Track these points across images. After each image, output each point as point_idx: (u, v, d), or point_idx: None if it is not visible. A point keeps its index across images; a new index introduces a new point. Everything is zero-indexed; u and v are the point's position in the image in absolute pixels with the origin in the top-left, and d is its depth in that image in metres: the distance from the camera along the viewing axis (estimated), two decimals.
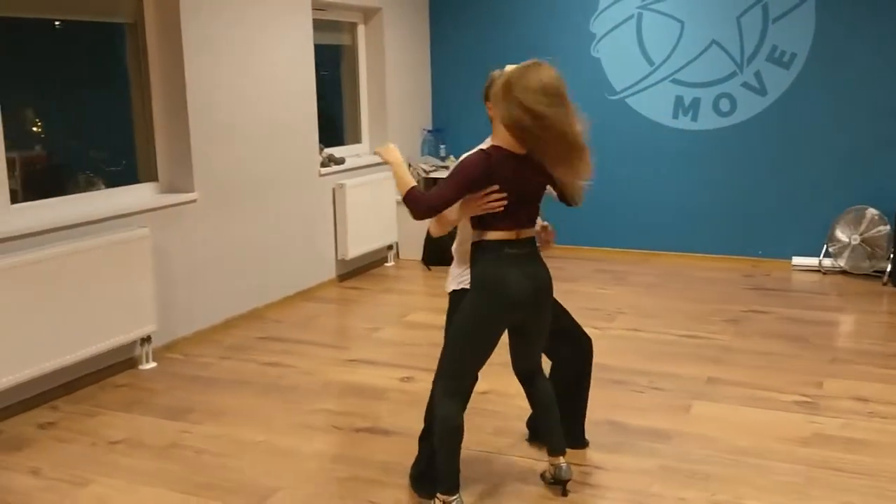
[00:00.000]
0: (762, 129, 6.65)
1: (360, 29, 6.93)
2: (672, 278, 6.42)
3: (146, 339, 4.67)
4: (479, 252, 2.91)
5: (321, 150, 6.35)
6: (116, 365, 4.58)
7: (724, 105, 6.74)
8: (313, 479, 3.32)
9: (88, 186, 4.94)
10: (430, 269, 6.70)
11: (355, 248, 6.44)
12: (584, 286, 6.22)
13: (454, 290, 3.13)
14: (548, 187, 3.08)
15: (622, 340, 4.97)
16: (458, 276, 3.13)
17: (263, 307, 5.66)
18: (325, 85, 7.28)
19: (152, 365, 4.67)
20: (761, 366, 4.50)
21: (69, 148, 5.14)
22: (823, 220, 6.51)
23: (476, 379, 3.07)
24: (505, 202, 2.84)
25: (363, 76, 7.01)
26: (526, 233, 2.95)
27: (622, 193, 7.13)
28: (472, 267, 2.93)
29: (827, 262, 6.51)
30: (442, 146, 7.63)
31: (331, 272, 6.40)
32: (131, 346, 4.63)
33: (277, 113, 5.71)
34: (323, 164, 6.26)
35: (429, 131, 7.60)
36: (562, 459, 3.14)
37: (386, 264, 7.04)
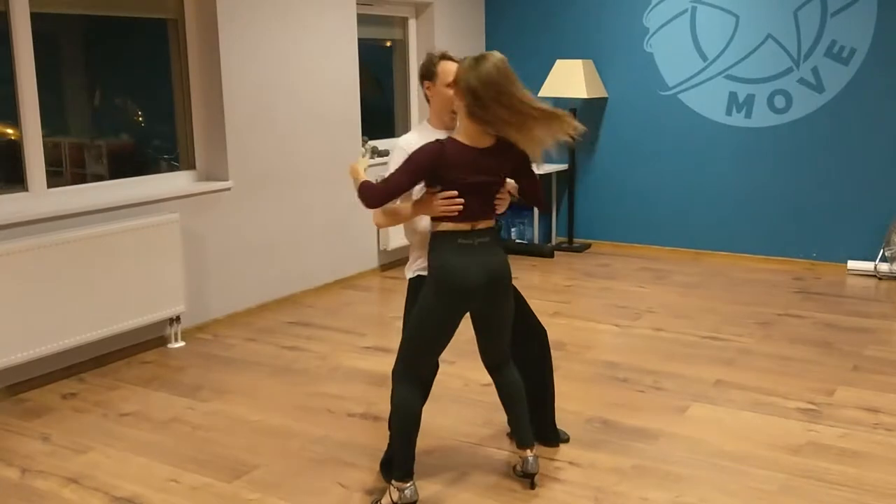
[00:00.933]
0: (818, 127, 6.41)
1: (412, 23, 7.03)
2: (716, 278, 6.28)
3: (175, 319, 4.91)
4: (434, 241, 2.95)
5: (365, 142, 6.46)
6: (147, 342, 4.84)
7: (779, 102, 6.52)
8: (290, 459, 3.45)
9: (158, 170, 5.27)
10: None
11: (397, 240, 6.56)
12: (621, 284, 6.15)
13: (411, 278, 3.19)
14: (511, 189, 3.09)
15: (640, 339, 4.92)
16: (412, 264, 3.20)
17: (301, 293, 5.85)
18: (378, 78, 7.43)
19: (181, 344, 4.91)
20: (776, 370, 4.38)
21: (135, 135, 5.48)
22: (881, 222, 6.23)
23: (435, 367, 3.13)
24: (461, 207, 2.87)
25: (413, 71, 7.11)
26: (482, 223, 2.95)
27: (673, 191, 7.01)
28: (428, 256, 2.98)
29: (883, 266, 6.23)
30: None
31: (373, 262, 6.54)
32: (161, 325, 4.88)
33: (318, 105, 5.87)
34: (364, 156, 6.39)
35: None
36: (529, 452, 3.17)
37: None
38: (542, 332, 3.49)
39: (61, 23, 4.82)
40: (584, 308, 5.54)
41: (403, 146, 3.03)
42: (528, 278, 6.38)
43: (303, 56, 5.72)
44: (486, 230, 2.96)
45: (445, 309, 2.92)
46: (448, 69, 3.05)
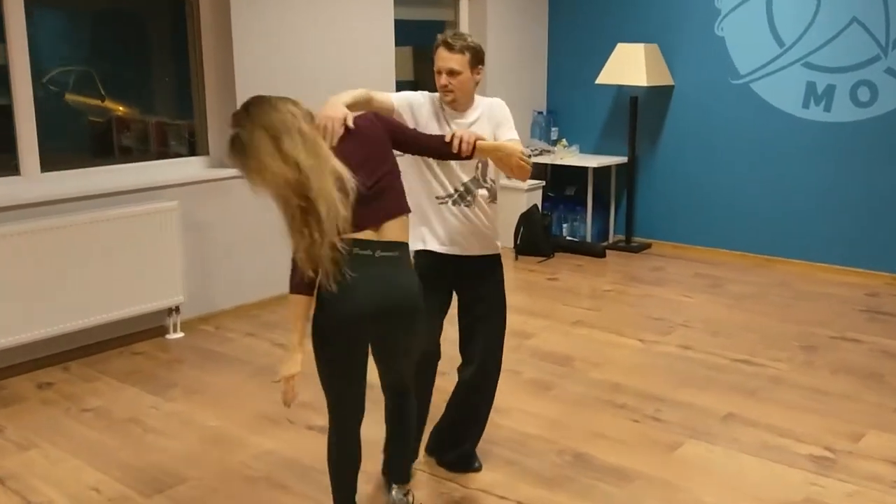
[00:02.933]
0: None
1: (463, 4, 6.66)
2: (776, 290, 5.66)
3: (175, 310, 4.80)
4: None
5: None
6: (146, 331, 4.75)
7: (863, 94, 5.78)
8: (224, 475, 3.23)
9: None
10: (516, 259, 6.44)
11: None
12: (666, 292, 5.63)
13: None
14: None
15: (660, 358, 4.43)
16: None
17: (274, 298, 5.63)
18: (425, 61, 7.12)
19: (180, 335, 4.79)
20: (802, 406, 3.83)
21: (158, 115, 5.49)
22: None
23: (358, 407, 2.59)
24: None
25: None
26: (382, 232, 2.45)
27: (742, 190, 6.38)
28: None
29: None
30: (554, 128, 7.22)
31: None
32: (161, 315, 4.78)
33: (345, 82, 5.59)
34: None
35: (539, 113, 7.20)
36: (400, 490, 2.80)
37: None
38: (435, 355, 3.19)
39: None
40: (613, 318, 5.08)
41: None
42: (567, 280, 5.94)
43: (329, 41, 5.47)
44: (394, 243, 2.46)
45: (333, 336, 2.43)
46: (439, 56, 2.94)
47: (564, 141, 7.08)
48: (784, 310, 5.24)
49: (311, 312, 2.43)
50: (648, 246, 6.84)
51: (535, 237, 6.57)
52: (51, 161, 4.48)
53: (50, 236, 4.19)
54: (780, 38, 6.06)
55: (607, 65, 6.51)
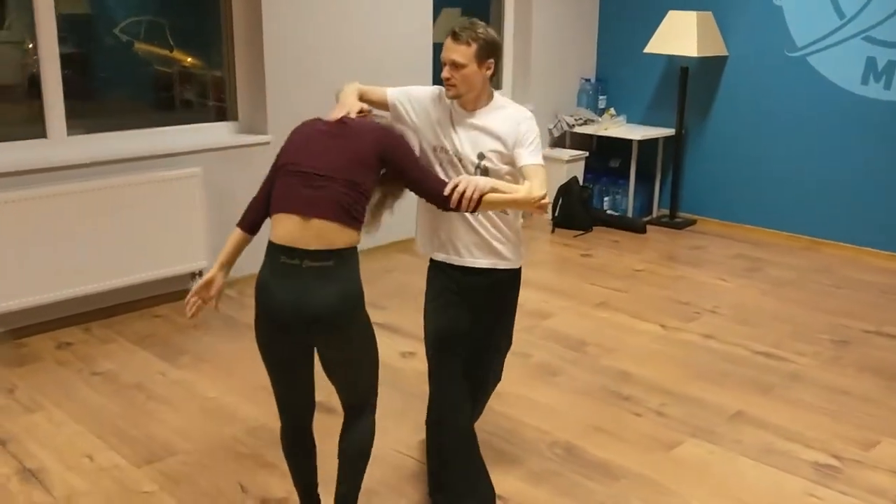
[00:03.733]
0: None
1: None
2: (819, 276, 5.41)
3: (198, 274, 4.86)
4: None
5: None
6: (169, 294, 4.82)
7: None
8: (214, 449, 3.27)
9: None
10: (552, 232, 6.32)
11: None
12: (700, 273, 5.45)
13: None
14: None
15: (679, 347, 4.30)
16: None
17: None
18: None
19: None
20: (818, 407, 3.66)
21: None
22: None
23: (301, 411, 2.55)
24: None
25: (509, 17, 6.58)
26: (315, 240, 2.30)
27: (794, 168, 6.10)
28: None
29: None
30: (602, 97, 7.00)
31: None
32: (184, 279, 4.84)
33: (380, 60, 5.51)
34: None
35: (587, 80, 6.98)
36: None
37: None
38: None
39: None
40: (638, 300, 4.94)
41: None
42: (600, 256, 5.80)
43: (363, 6, 5.37)
44: (326, 252, 2.29)
45: (264, 343, 2.42)
46: (444, 46, 2.64)
47: (612, 110, 6.86)
48: (821, 298, 5.02)
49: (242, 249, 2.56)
50: (693, 222, 6.62)
51: (574, 210, 6.42)
52: (113, 110, 4.57)
53: (75, 199, 4.27)
54: (841, 9, 5.71)
55: (657, 33, 6.25)
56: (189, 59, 5.88)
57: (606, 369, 4.01)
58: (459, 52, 2.58)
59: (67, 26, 4.58)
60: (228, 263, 2.56)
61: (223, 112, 5.18)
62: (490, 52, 2.62)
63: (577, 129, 6.72)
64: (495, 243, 2.75)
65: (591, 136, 6.83)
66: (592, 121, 6.78)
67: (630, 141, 6.50)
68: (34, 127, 4.39)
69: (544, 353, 4.18)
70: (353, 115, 2.54)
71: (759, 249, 5.99)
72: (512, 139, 2.64)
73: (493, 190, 2.43)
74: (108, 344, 4.25)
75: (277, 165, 2.46)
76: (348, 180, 2.34)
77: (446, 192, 2.41)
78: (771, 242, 6.16)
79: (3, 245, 4.05)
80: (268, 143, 5.05)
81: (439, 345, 2.79)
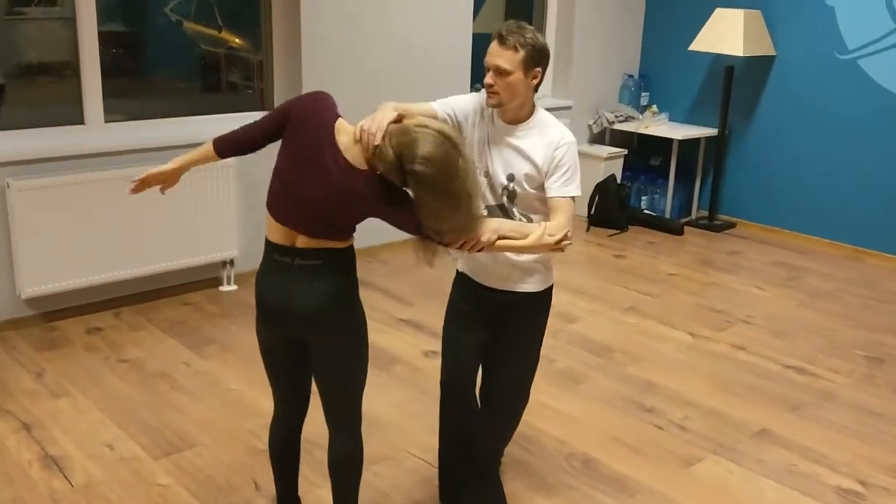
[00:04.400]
0: None
1: None
2: (858, 288, 5.27)
3: (229, 263, 4.89)
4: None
5: (477, 91, 6.03)
6: (201, 282, 4.87)
7: None
8: (231, 443, 3.30)
9: None
10: (587, 230, 6.25)
11: None
12: (735, 280, 5.34)
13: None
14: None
15: (707, 358, 4.22)
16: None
17: (381, 246, 5.61)
18: (518, 11, 6.89)
19: (233, 287, 4.89)
20: (848, 428, 3.57)
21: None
22: None
23: (290, 406, 2.59)
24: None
25: (552, 8, 6.48)
26: (308, 239, 2.28)
27: (840, 175, 5.94)
28: None
29: None
30: (644, 94, 6.88)
31: None
32: (215, 267, 4.88)
33: (416, 45, 5.45)
34: None
35: (630, 76, 6.86)
36: None
37: None
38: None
39: None
40: (669, 306, 4.86)
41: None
42: (634, 257, 5.72)
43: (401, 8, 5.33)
44: (316, 251, 2.28)
45: (259, 333, 2.47)
46: (489, 50, 2.48)
47: (654, 107, 6.74)
48: (860, 312, 4.89)
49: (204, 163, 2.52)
50: (733, 225, 6.49)
51: (610, 209, 6.33)
52: (159, 90, 4.62)
53: (110, 186, 4.31)
54: None
55: (703, 31, 6.12)
56: (237, 40, 5.92)
57: (631, 378, 3.96)
58: (505, 58, 2.42)
59: (119, 5, 4.64)
60: (185, 168, 2.53)
61: (264, 94, 5.19)
62: (538, 60, 2.46)
63: (618, 126, 6.62)
64: (519, 271, 2.65)
65: (631, 133, 6.72)
66: (633, 118, 6.67)
67: (671, 140, 6.38)
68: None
69: (569, 358, 4.13)
70: (385, 125, 2.27)
71: (798, 257, 5.85)
72: (546, 165, 2.50)
73: (502, 238, 2.33)
74: (138, 331, 4.31)
75: (280, 153, 2.31)
76: (327, 222, 2.27)
77: (451, 250, 2.32)
78: (812, 249, 6.01)
79: (38, 230, 4.11)
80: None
81: (447, 354, 2.76)
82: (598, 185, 6.34)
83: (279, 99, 5.10)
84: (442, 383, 2.77)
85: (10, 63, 4.75)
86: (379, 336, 4.29)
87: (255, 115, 5.02)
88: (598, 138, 6.79)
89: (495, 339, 2.74)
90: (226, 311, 4.59)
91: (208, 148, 2.46)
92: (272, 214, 2.32)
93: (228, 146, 2.44)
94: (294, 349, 2.42)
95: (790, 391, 3.89)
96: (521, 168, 2.54)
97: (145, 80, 5.43)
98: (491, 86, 2.46)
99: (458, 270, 2.81)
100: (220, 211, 4.72)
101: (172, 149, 4.54)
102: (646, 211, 6.57)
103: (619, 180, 6.49)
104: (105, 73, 4.44)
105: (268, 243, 2.35)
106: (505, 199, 2.60)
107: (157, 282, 4.68)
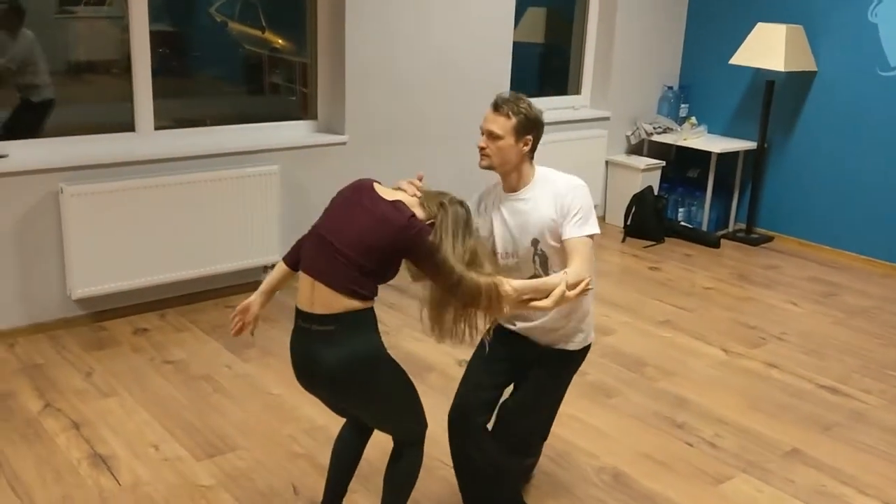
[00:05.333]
0: None
1: None
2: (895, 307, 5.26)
3: (270, 267, 5.01)
4: None
5: None
6: (243, 286, 4.99)
7: None
8: (272, 447, 3.41)
9: None
10: (623, 241, 6.28)
11: None
12: (773, 295, 5.35)
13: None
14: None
15: (740, 375, 4.25)
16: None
17: None
18: (559, 24, 6.95)
19: None
20: (879, 450, 3.59)
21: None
22: None
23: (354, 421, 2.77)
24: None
25: (593, 18, 6.52)
26: (321, 305, 2.37)
27: (879, 191, 5.91)
28: None
29: None
30: (684, 105, 6.89)
31: None
32: (257, 271, 5.01)
33: (456, 58, 5.52)
34: None
35: (669, 88, 6.88)
36: None
37: None
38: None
39: None
40: (703, 321, 4.89)
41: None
42: (669, 270, 5.75)
43: (445, 3, 5.40)
44: (329, 316, 2.36)
45: None
46: (485, 116, 2.64)
47: (693, 119, 6.76)
48: (895, 331, 4.87)
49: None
50: (770, 239, 6.48)
51: (647, 220, 6.36)
52: (202, 91, 4.76)
53: (158, 192, 4.46)
54: None
55: (744, 45, 6.12)
56: (280, 41, 6.05)
57: (663, 393, 4.01)
58: (498, 124, 2.58)
59: (164, 5, 4.79)
60: (269, 292, 2.72)
61: (307, 99, 5.30)
62: (529, 128, 2.60)
63: (656, 138, 6.64)
64: (562, 333, 2.76)
65: (669, 145, 6.73)
66: (672, 129, 6.69)
67: (709, 152, 6.39)
68: (129, 104, 4.58)
69: (601, 372, 4.19)
70: (411, 191, 2.50)
71: (835, 273, 5.84)
72: (558, 214, 2.60)
73: (522, 301, 2.42)
74: (182, 332, 4.44)
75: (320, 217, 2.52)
76: (359, 264, 2.34)
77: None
78: (849, 266, 5.99)
79: (89, 233, 4.26)
80: (344, 143, 5.16)
81: (463, 385, 2.86)
82: (634, 196, 6.38)
83: (322, 106, 5.22)
84: (449, 413, 2.84)
85: (61, 61, 4.92)
86: (414, 344, 4.40)
87: (300, 123, 5.15)
88: (635, 149, 6.82)
89: (519, 385, 2.84)
90: (267, 314, 4.67)
91: (280, 268, 2.65)
92: (303, 267, 2.44)
93: (294, 258, 2.59)
94: (335, 401, 2.59)
95: (822, 411, 3.91)
96: (539, 227, 2.64)
97: (188, 79, 5.57)
98: (483, 148, 2.63)
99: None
100: (262, 216, 4.84)
101: (220, 156, 4.72)
102: (682, 223, 6.59)
103: (656, 192, 6.52)
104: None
105: (296, 309, 2.47)
106: (538, 265, 2.69)
107: (201, 284, 4.82)
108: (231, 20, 6.15)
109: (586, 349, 2.87)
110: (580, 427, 3.66)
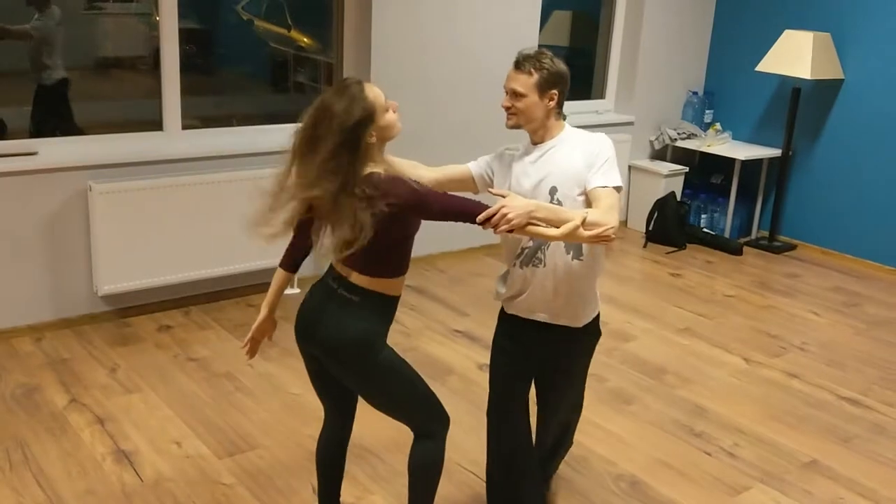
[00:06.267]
0: None
1: None
2: None
3: None
4: None
5: None
6: (266, 285, 4.97)
7: None
8: (291, 447, 3.45)
9: None
10: (644, 247, 6.27)
11: None
12: (794, 304, 5.33)
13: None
14: None
15: (760, 384, 4.24)
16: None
17: (439, 254, 5.74)
18: (585, 27, 6.95)
19: (296, 291, 5.02)
20: None
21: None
22: None
23: (332, 412, 2.73)
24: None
25: (618, 22, 6.51)
26: (354, 273, 2.39)
27: None
28: None
29: None
30: (708, 111, 6.87)
31: None
32: None
33: (485, 59, 5.54)
34: None
35: (694, 93, 6.86)
36: None
37: None
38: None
39: None
40: (724, 329, 4.88)
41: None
42: (691, 277, 5.74)
43: (471, 5, 5.43)
44: (355, 287, 2.40)
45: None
46: (507, 75, 2.62)
47: (718, 125, 6.73)
48: None
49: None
50: (793, 247, 6.45)
51: (669, 226, 6.35)
52: (229, 84, 4.85)
53: (185, 191, 4.51)
54: None
55: (771, 52, 6.09)
56: (305, 40, 6.10)
57: (682, 401, 4.01)
58: (520, 82, 2.55)
59: (192, 2, 4.86)
60: (274, 303, 2.78)
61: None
62: (553, 83, 2.55)
63: (680, 144, 6.63)
64: (565, 301, 2.68)
65: (693, 151, 6.71)
66: (696, 135, 6.67)
67: (733, 159, 6.37)
68: (155, 100, 4.65)
69: (621, 378, 4.20)
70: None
71: (858, 283, 5.80)
72: (587, 164, 2.56)
73: (532, 221, 2.33)
74: (205, 330, 4.50)
75: None
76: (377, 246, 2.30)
77: (479, 220, 2.33)
78: (872, 276, 5.95)
79: (117, 231, 4.33)
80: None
81: (494, 389, 2.86)
82: (657, 202, 6.37)
83: None
84: (488, 412, 2.86)
85: (89, 56, 4.98)
86: (434, 347, 4.42)
87: None
88: (659, 155, 6.81)
89: (552, 372, 2.84)
90: (289, 314, 4.71)
91: (280, 274, 2.66)
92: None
93: (302, 255, 2.61)
94: (321, 367, 2.53)
95: (842, 423, 3.90)
96: (563, 175, 2.58)
97: (214, 77, 5.62)
98: (508, 108, 2.60)
99: (503, 314, 2.83)
100: None
101: (245, 156, 4.76)
102: (705, 229, 6.56)
103: (678, 197, 6.51)
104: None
105: (330, 266, 2.47)
106: None
107: (224, 283, 4.87)
108: (258, 18, 6.20)
109: (597, 320, 2.81)
110: (599, 433, 3.67)
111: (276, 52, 6.20)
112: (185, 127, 4.72)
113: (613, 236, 2.39)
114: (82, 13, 5.19)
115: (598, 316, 2.84)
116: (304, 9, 6.06)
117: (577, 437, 3.59)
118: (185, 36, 4.70)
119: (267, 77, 6.07)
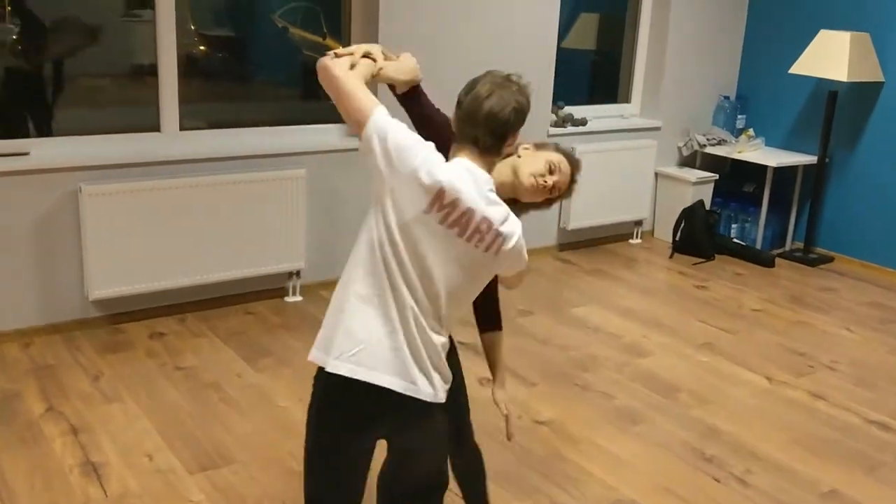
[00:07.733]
0: None
1: None
2: None
3: (295, 274, 4.89)
4: None
5: (559, 108, 5.87)
6: (267, 292, 4.88)
7: None
8: (268, 464, 3.25)
9: None
10: (671, 257, 5.98)
11: (582, 219, 5.92)
12: (826, 320, 5.00)
13: None
14: None
15: (782, 405, 3.94)
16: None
17: None
18: (608, 35, 6.71)
19: (298, 298, 4.89)
20: None
21: None
22: None
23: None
24: None
25: (644, 24, 6.25)
26: None
27: None
28: None
29: None
30: (741, 116, 6.56)
31: (550, 239, 6.00)
32: (282, 277, 4.89)
33: (500, 61, 5.34)
34: (556, 125, 5.79)
35: (726, 98, 6.55)
36: None
37: (630, 241, 6.34)
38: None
39: None
40: (748, 346, 4.58)
41: None
42: (717, 289, 5.43)
43: (485, 7, 5.23)
44: None
45: None
46: None
47: (751, 131, 6.42)
48: None
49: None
50: (830, 260, 6.10)
51: (697, 235, 6.05)
52: (260, 91, 4.99)
53: (181, 194, 4.37)
54: None
55: (805, 53, 5.78)
56: (341, 48, 5.97)
57: (694, 422, 3.73)
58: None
59: (227, 10, 4.75)
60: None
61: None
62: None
63: (709, 150, 6.33)
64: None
65: (724, 158, 6.41)
66: (726, 141, 6.36)
67: (766, 166, 6.05)
68: (187, 105, 4.56)
69: (629, 396, 3.93)
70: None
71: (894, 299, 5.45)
72: None
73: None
74: (199, 338, 4.34)
75: None
76: None
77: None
78: None
79: (109, 234, 4.20)
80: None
81: None
82: (684, 211, 6.08)
83: None
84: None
85: (125, 63, 4.88)
86: None
87: (330, 127, 5.04)
88: (687, 161, 6.51)
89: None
90: (288, 322, 4.58)
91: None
92: None
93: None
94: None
95: (868, 449, 3.58)
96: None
97: (246, 83, 5.52)
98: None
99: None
100: (288, 221, 4.72)
101: (245, 158, 4.62)
102: (735, 240, 6.25)
103: (707, 206, 6.21)
104: (209, 77, 4.52)
105: None
106: None
107: (222, 289, 4.71)
108: (293, 26, 6.10)
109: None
110: (598, 454, 3.41)
111: (309, 59, 6.10)
112: (184, 130, 4.59)
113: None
114: (120, 20, 5.13)
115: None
116: (336, 15, 5.95)
117: (574, 457, 3.36)
118: (220, 43, 4.61)
119: (299, 84, 5.96)
